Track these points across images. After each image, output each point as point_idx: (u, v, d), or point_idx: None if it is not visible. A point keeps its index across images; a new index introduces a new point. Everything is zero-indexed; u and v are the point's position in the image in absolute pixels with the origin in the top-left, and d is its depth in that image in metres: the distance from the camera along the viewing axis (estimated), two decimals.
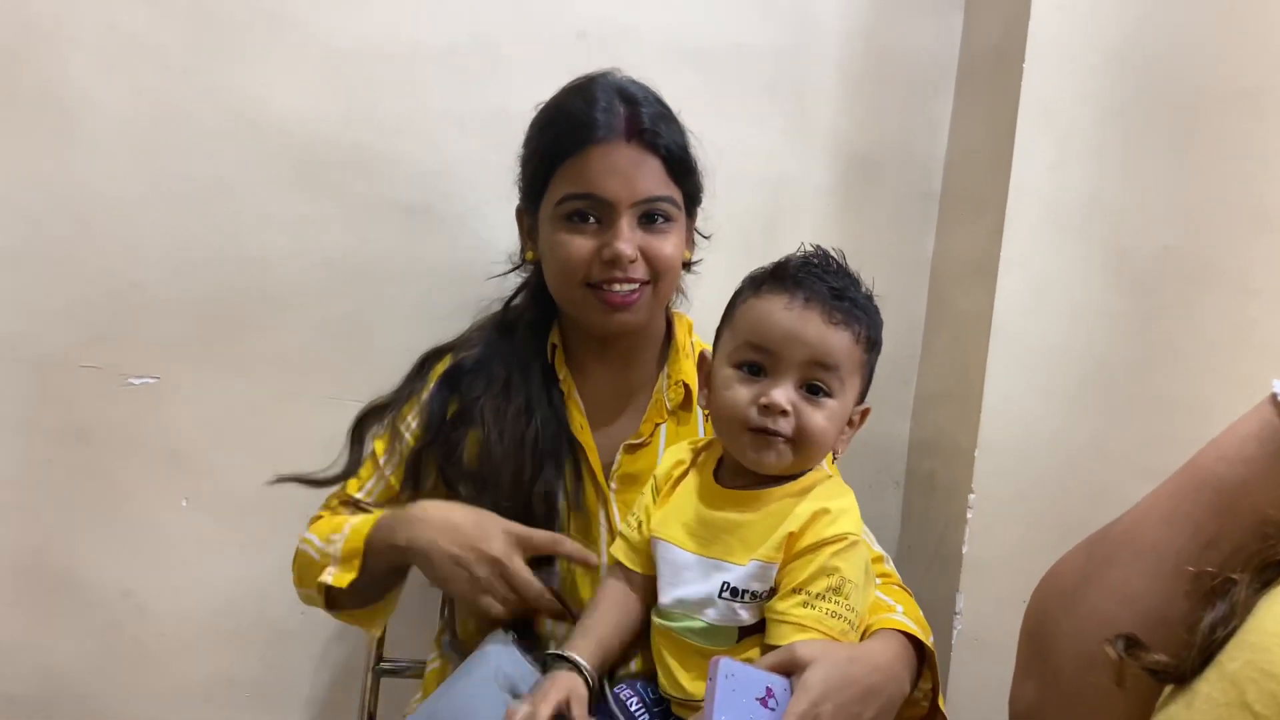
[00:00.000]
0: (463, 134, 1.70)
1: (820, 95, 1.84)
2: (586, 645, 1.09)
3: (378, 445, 1.36)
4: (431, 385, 1.34)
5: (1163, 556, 0.65)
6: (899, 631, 1.08)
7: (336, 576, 1.22)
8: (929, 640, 1.11)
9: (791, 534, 1.01)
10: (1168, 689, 0.60)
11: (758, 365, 1.05)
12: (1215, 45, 1.55)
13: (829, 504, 1.04)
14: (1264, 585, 0.58)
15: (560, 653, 1.08)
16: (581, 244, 1.22)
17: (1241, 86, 1.55)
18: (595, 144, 1.21)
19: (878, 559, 1.26)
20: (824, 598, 1.00)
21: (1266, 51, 1.55)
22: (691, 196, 1.31)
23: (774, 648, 1.00)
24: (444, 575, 1.15)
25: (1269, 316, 1.56)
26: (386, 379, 1.39)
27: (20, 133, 1.62)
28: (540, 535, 1.18)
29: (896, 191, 1.86)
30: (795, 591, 1.00)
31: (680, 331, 1.37)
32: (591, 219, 1.22)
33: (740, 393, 1.05)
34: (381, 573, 1.24)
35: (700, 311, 1.41)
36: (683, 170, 1.27)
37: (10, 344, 1.65)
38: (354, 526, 1.24)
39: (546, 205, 1.25)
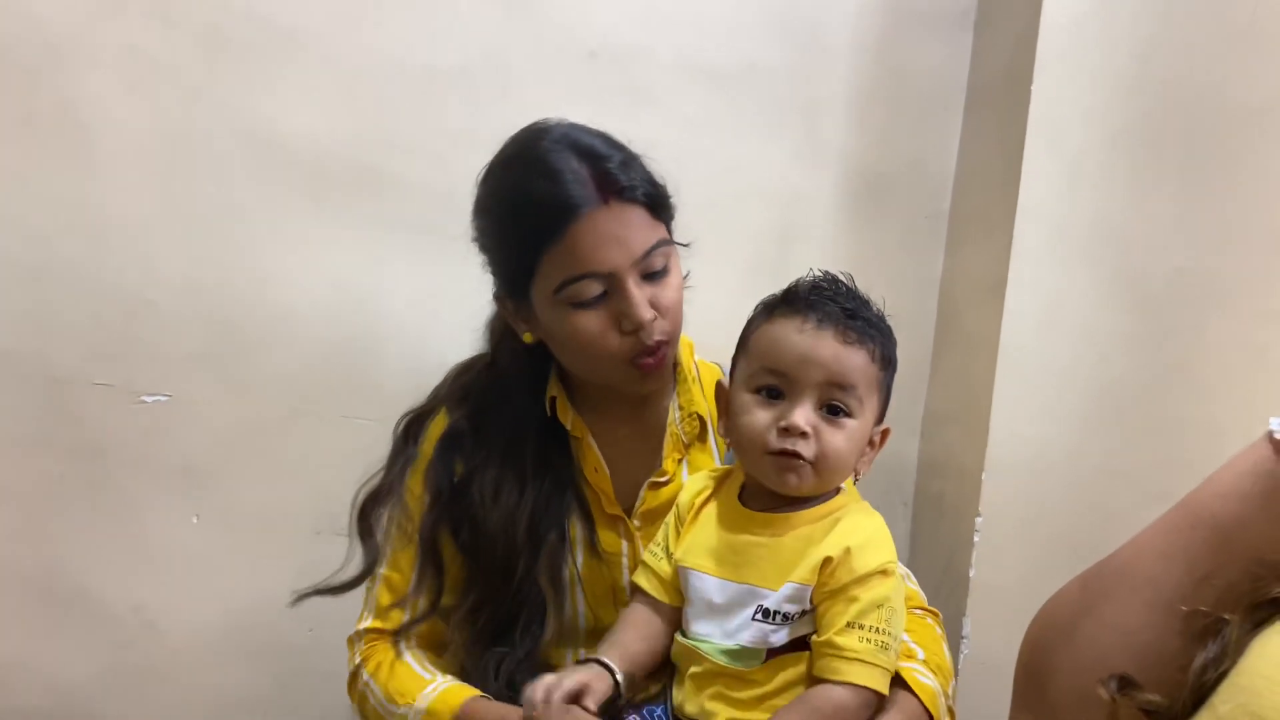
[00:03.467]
0: (474, 154, 1.69)
1: (831, 114, 1.84)
2: (615, 653, 1.10)
3: (397, 541, 1.28)
4: (432, 452, 1.27)
5: (1158, 591, 0.65)
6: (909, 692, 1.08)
7: None
8: (938, 706, 1.09)
9: (829, 559, 1.01)
10: None
11: (776, 389, 1.05)
12: (1225, 65, 1.55)
13: (865, 536, 1.04)
14: (1256, 626, 0.57)
15: (591, 656, 1.09)
16: (597, 324, 1.14)
17: (1252, 107, 1.55)
18: (577, 221, 1.10)
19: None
20: (879, 630, 1.00)
21: (1276, 71, 1.55)
22: (670, 220, 1.24)
23: (822, 680, 1.00)
24: None
25: None
26: (396, 398, 1.38)
27: (37, 152, 1.64)
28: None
29: (906, 210, 1.87)
30: (851, 626, 1.00)
31: (684, 356, 1.33)
32: (597, 294, 1.14)
33: (759, 417, 1.04)
34: None
35: (709, 330, 1.40)
36: (662, 204, 1.20)
37: (24, 361, 1.66)
38: (427, 709, 1.16)
39: (540, 292, 1.16)
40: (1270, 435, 0.64)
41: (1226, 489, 0.65)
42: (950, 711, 1.15)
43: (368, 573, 1.28)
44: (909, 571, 1.29)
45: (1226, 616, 0.58)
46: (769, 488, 1.06)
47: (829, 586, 1.01)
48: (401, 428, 1.31)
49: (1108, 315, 1.59)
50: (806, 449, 1.02)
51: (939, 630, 1.22)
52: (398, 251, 1.73)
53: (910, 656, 1.13)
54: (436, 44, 1.72)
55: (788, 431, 1.02)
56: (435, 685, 1.18)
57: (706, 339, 1.45)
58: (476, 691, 1.17)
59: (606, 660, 1.08)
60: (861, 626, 1.00)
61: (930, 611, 1.25)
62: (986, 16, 1.80)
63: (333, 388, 1.74)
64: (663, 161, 1.78)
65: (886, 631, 1.00)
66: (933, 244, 1.87)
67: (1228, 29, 1.54)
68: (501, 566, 1.21)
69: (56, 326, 1.66)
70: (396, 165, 1.72)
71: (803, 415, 1.02)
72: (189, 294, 1.69)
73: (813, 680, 1.02)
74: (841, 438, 1.03)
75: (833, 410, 1.03)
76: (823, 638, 1.01)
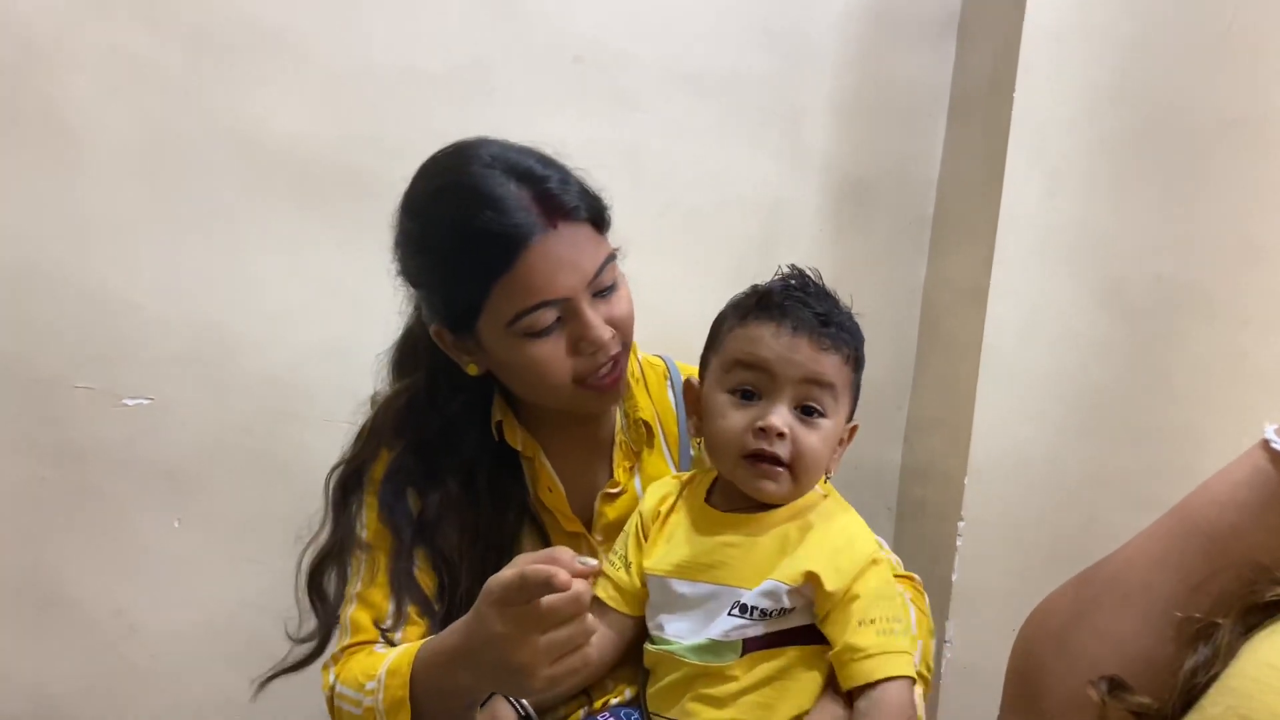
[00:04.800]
0: None
1: (815, 121, 1.85)
2: None
3: (367, 571, 1.20)
4: (380, 495, 1.21)
5: (1152, 599, 0.65)
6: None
7: None
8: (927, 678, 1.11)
9: (813, 573, 1.00)
10: None
11: (751, 390, 1.05)
12: (1205, 76, 1.57)
13: (845, 535, 1.05)
14: (1247, 630, 0.58)
15: None
16: (555, 351, 1.11)
17: (1232, 117, 1.56)
18: (528, 250, 1.05)
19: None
20: (889, 619, 1.00)
21: (1256, 83, 1.56)
22: (608, 229, 1.18)
23: (858, 688, 0.99)
24: (515, 691, 1.03)
25: (1260, 346, 1.57)
26: None
27: (20, 153, 1.63)
28: (506, 580, 0.92)
29: (890, 217, 1.88)
30: (862, 624, 0.99)
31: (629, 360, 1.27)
32: (552, 321, 1.10)
33: (735, 418, 1.04)
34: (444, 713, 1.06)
35: (692, 337, 1.40)
36: (603, 216, 1.15)
37: (6, 363, 1.65)
38: (389, 669, 1.05)
39: (489, 325, 1.10)
40: (1265, 443, 0.64)
41: (1223, 498, 0.65)
42: (928, 668, 1.15)
43: (325, 640, 1.22)
44: (882, 540, 1.29)
45: (1219, 621, 0.59)
46: (746, 493, 1.06)
47: (827, 600, 1.01)
48: (339, 482, 1.24)
49: (1089, 322, 1.60)
50: (783, 450, 1.02)
51: (907, 595, 1.19)
52: (382, 254, 1.72)
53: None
54: (422, 47, 1.72)
55: (764, 432, 1.02)
56: (399, 649, 1.09)
57: (690, 345, 1.44)
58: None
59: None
60: (873, 621, 1.00)
61: (906, 577, 1.25)
62: (970, 25, 1.81)
63: (316, 391, 1.73)
64: (647, 167, 1.80)
65: (897, 618, 1.01)
66: (916, 250, 1.88)
67: (1205, 41, 1.56)
68: (464, 606, 1.14)
69: (38, 329, 1.65)
70: (381, 168, 1.69)
71: (779, 416, 1.02)
72: (172, 297, 1.68)
73: (845, 691, 1.01)
74: (816, 438, 1.04)
75: (808, 411, 1.04)
76: (839, 645, 1.00)
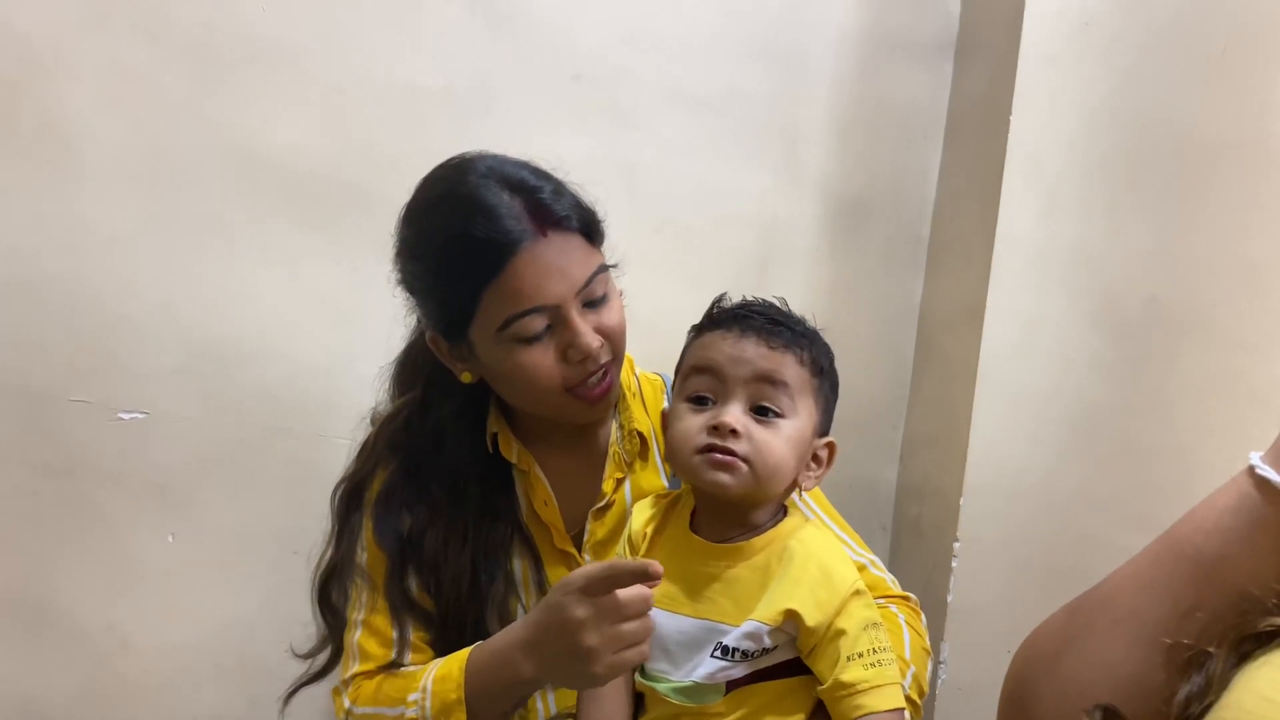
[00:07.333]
0: None
1: (812, 140, 1.86)
2: None
3: (369, 595, 1.22)
4: (374, 516, 1.23)
5: (1142, 625, 0.65)
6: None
7: None
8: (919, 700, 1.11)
9: (793, 611, 1.00)
10: None
11: (705, 395, 1.05)
12: (1200, 98, 1.57)
13: (820, 567, 1.03)
14: (1240, 659, 0.58)
15: None
16: (544, 358, 1.13)
17: (1227, 139, 1.57)
18: (517, 256, 1.08)
19: (860, 568, 1.20)
20: (876, 650, 1.00)
21: (1251, 105, 1.57)
22: (602, 244, 1.21)
23: None
24: (573, 678, 1.04)
25: (1254, 367, 1.58)
26: None
27: (18, 166, 1.63)
28: (592, 569, 0.99)
29: (886, 236, 1.88)
30: (851, 660, 0.99)
31: (625, 373, 1.29)
32: (542, 328, 1.12)
33: (690, 421, 1.04)
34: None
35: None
36: (595, 228, 1.18)
37: (0, 376, 1.64)
38: (436, 677, 1.10)
39: (481, 331, 1.13)
40: (1251, 469, 0.65)
41: (1209, 525, 0.65)
42: (920, 691, 1.15)
43: (340, 651, 1.25)
44: (875, 558, 1.28)
45: (1210, 650, 0.59)
46: (705, 489, 1.05)
47: (810, 636, 1.00)
48: (341, 498, 1.26)
49: (1084, 341, 1.60)
50: (739, 447, 1.01)
51: (902, 617, 1.20)
52: (378, 269, 1.71)
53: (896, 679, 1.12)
54: (420, 63, 1.72)
55: (717, 430, 1.01)
56: (438, 661, 1.12)
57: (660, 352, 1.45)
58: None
59: None
60: (860, 655, 0.99)
61: (901, 598, 1.25)
62: (967, 46, 1.82)
63: (311, 406, 1.73)
64: (644, 184, 1.80)
65: (883, 648, 1.01)
66: (912, 270, 1.88)
67: (1201, 62, 1.57)
68: (456, 620, 1.19)
69: (34, 342, 1.65)
70: (378, 183, 1.70)
71: (732, 414, 1.02)
72: (168, 310, 1.68)
73: None
74: (774, 437, 1.02)
75: (762, 411, 1.03)
76: (828, 682, 1.00)
